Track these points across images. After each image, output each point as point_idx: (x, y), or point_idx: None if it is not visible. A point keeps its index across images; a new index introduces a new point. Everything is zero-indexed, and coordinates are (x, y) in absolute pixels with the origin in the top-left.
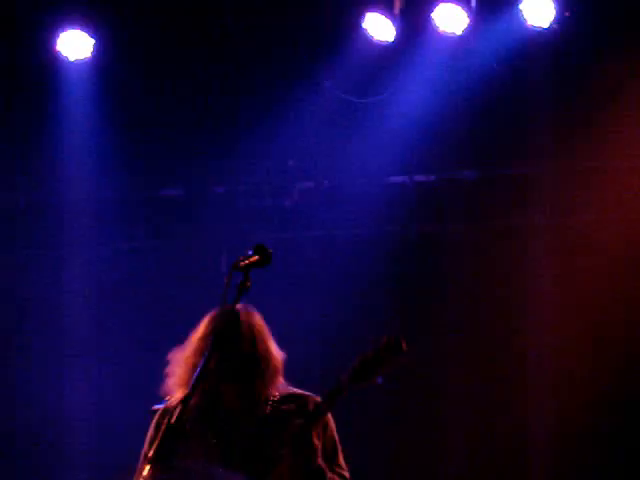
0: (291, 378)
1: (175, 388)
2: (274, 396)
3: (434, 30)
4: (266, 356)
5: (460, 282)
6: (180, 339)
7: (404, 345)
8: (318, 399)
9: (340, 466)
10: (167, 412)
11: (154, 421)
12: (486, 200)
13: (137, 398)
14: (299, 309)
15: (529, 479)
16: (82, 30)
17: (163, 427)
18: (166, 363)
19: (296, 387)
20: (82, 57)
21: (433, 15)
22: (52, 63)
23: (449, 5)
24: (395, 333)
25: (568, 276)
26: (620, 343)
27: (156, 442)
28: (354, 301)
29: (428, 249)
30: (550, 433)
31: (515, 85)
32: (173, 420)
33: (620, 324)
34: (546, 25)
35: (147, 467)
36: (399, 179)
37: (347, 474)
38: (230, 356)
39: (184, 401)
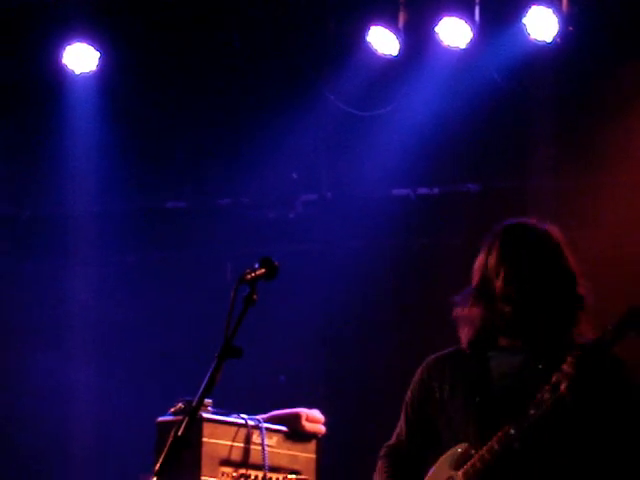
0: (293, 391)
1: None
2: None
3: (438, 44)
4: None
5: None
6: (185, 350)
7: None
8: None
9: None
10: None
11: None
12: (489, 213)
13: (142, 409)
14: (301, 321)
15: None
16: (87, 43)
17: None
18: (171, 374)
19: (299, 400)
20: (87, 70)
21: (437, 29)
22: (57, 76)
23: (453, 19)
24: None
25: None
26: None
27: (162, 454)
28: (356, 313)
29: (431, 262)
30: None
31: (518, 98)
32: (180, 432)
33: None
34: (549, 39)
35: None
36: (402, 192)
37: None
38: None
39: (190, 413)
